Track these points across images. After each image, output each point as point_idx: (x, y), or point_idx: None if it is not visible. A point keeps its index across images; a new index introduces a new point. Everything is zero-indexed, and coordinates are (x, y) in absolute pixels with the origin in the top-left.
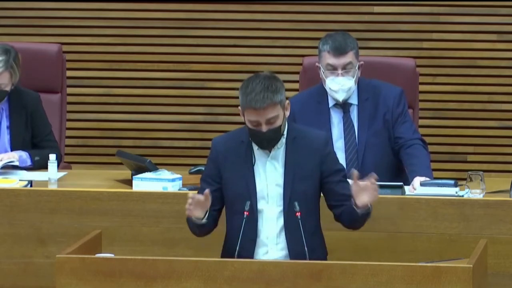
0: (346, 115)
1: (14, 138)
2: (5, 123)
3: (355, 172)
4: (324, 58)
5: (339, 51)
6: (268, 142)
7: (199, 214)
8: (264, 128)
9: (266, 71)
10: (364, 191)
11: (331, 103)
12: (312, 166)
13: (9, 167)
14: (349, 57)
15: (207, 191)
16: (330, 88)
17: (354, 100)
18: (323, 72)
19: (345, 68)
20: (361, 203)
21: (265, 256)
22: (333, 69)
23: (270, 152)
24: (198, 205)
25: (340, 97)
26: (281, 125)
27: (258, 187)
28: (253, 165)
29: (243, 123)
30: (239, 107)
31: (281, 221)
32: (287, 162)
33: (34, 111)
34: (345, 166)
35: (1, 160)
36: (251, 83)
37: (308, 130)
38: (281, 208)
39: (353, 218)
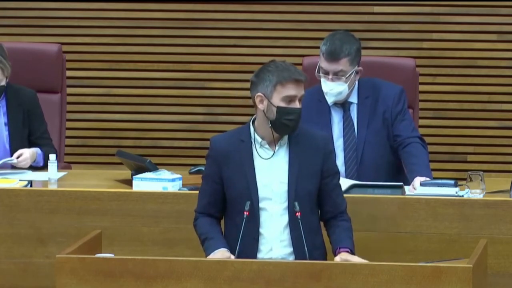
0: (346, 114)
1: (13, 135)
2: (2, 120)
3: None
4: (319, 60)
5: (331, 57)
6: (297, 121)
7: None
8: (298, 105)
9: None
10: None
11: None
12: (315, 165)
13: (9, 167)
14: (341, 65)
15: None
16: (322, 89)
17: (354, 99)
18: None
19: (336, 74)
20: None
21: (269, 254)
22: (324, 73)
23: (276, 145)
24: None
25: (329, 100)
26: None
27: (261, 185)
28: (255, 164)
29: (243, 123)
30: (260, 93)
31: (285, 218)
32: (291, 159)
33: (31, 109)
34: (344, 165)
35: (21, 155)
36: (278, 63)
37: (310, 130)
38: (285, 205)
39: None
